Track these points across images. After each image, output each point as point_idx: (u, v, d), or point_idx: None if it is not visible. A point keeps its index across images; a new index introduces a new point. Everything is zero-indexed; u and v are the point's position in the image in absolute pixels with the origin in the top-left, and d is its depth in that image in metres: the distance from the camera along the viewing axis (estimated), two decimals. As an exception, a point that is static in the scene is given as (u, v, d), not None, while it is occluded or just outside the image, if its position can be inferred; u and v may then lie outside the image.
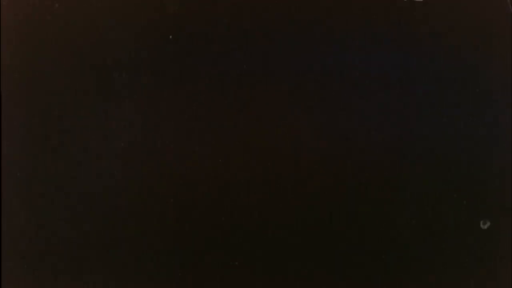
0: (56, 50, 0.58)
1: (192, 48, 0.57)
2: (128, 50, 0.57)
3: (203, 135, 0.57)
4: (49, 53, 0.58)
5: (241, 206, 0.57)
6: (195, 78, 0.57)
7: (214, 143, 0.57)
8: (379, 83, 0.57)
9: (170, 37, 0.57)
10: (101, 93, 0.57)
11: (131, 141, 0.57)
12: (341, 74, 0.57)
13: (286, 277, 0.57)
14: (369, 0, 0.58)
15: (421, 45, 0.58)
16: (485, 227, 0.56)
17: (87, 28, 0.58)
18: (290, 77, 0.57)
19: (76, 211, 0.57)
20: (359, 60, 0.57)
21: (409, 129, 0.57)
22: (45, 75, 0.58)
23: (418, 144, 0.57)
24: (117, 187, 0.57)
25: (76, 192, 0.57)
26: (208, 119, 0.57)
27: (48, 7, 0.58)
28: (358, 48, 0.58)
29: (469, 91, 0.58)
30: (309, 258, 0.57)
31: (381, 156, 0.57)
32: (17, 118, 0.58)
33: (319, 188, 0.57)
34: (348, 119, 0.57)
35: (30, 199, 0.57)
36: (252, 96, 0.57)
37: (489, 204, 0.58)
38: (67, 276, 0.57)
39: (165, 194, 0.57)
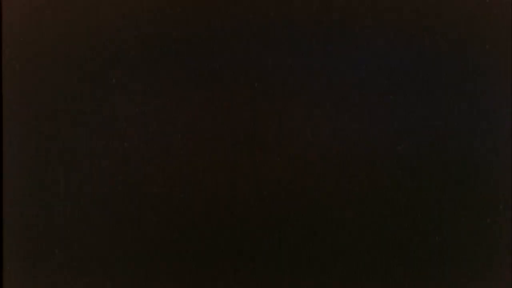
0: (56, 50, 0.58)
1: (193, 47, 0.57)
2: (130, 50, 0.57)
3: (204, 136, 0.57)
4: (50, 53, 0.58)
5: (243, 207, 0.57)
6: (196, 78, 0.57)
7: (216, 143, 0.57)
8: (378, 82, 0.57)
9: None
10: (102, 93, 0.57)
11: (132, 140, 0.57)
12: (340, 74, 0.57)
13: (288, 278, 0.57)
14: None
15: (422, 44, 0.58)
16: None
17: (88, 28, 0.58)
18: (291, 77, 0.57)
19: (77, 211, 0.57)
20: (359, 59, 0.57)
21: (410, 129, 0.57)
22: (46, 75, 0.58)
23: (419, 145, 0.57)
24: (118, 187, 0.57)
25: (77, 191, 0.57)
26: (208, 119, 0.57)
27: (48, 6, 0.58)
28: (358, 47, 0.57)
29: (470, 90, 0.58)
30: (309, 259, 0.57)
31: (380, 157, 0.57)
32: (17, 118, 0.58)
33: (319, 188, 0.57)
34: (348, 119, 0.57)
35: (30, 199, 0.57)
36: (253, 97, 0.57)
37: (492, 204, 0.57)
38: (68, 277, 0.57)
39: (166, 195, 0.57)
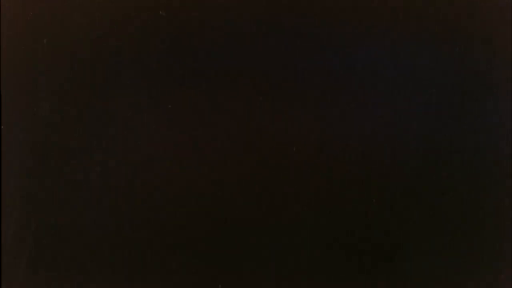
0: (56, 50, 0.58)
1: (191, 48, 0.58)
2: (129, 50, 0.57)
3: (203, 136, 0.57)
4: (50, 53, 0.58)
5: (242, 208, 0.57)
6: (195, 78, 0.57)
7: (215, 144, 0.57)
8: (378, 82, 0.57)
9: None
10: (102, 93, 0.57)
11: (131, 140, 0.57)
12: (340, 74, 0.57)
13: (287, 278, 0.57)
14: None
15: (421, 44, 0.58)
16: None
17: (88, 28, 0.58)
18: (291, 77, 0.57)
19: (77, 212, 0.57)
20: (358, 59, 0.58)
21: (409, 129, 0.57)
22: (46, 75, 0.58)
23: (418, 145, 0.57)
24: (118, 188, 0.57)
25: (77, 192, 0.57)
26: (208, 120, 0.57)
27: (48, 7, 0.58)
28: (358, 47, 0.58)
29: (470, 90, 0.58)
30: (309, 259, 0.57)
31: (379, 157, 0.57)
32: (17, 118, 0.58)
33: (319, 189, 0.57)
34: (349, 119, 0.57)
35: (30, 200, 0.57)
36: (253, 97, 0.57)
37: (491, 205, 0.58)
38: (68, 277, 0.57)
39: (167, 196, 0.57)
